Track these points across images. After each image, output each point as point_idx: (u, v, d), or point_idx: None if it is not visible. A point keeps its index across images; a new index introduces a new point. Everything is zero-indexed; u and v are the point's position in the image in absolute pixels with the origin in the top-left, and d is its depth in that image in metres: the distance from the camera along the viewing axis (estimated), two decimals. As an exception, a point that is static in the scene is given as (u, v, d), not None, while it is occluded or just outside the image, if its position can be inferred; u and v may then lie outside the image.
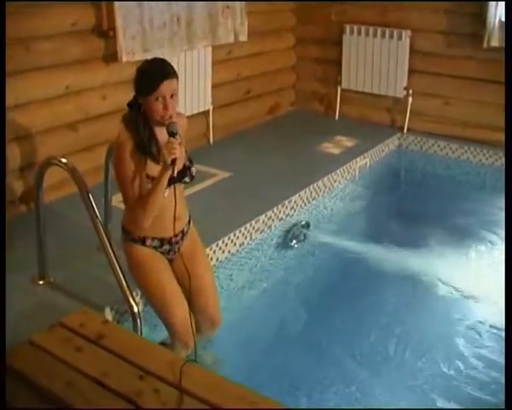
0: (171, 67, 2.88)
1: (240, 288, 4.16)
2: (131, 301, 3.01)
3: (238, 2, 5.75)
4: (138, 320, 2.99)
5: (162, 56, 4.84)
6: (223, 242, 4.09)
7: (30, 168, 4.35)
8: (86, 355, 2.61)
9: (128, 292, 3.02)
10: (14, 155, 4.27)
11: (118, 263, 3.07)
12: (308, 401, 2.99)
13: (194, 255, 3.23)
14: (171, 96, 2.83)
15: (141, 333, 3.01)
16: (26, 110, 4.32)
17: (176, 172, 2.82)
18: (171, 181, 2.91)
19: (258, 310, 3.92)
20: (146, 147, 2.87)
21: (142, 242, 3.08)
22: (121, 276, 3.05)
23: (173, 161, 2.79)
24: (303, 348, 3.65)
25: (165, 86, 2.80)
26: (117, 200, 4.00)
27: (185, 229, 3.20)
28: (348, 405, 3.21)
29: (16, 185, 4.35)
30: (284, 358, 3.55)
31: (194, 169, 3.06)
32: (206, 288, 3.24)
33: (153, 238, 3.08)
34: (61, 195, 4.49)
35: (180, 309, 3.05)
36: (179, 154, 2.81)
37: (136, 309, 2.99)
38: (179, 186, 3.05)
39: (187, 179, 3.04)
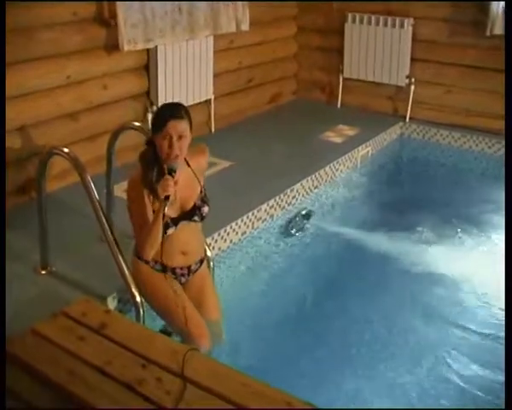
0: (185, 110, 3.01)
1: (242, 276, 4.16)
2: (134, 290, 3.01)
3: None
4: (141, 309, 3.00)
5: (164, 45, 4.90)
6: (225, 231, 4.09)
7: (31, 158, 4.34)
8: (89, 344, 2.61)
9: (130, 281, 3.03)
10: (15, 144, 4.26)
11: (120, 252, 3.08)
12: (311, 388, 2.99)
13: (201, 298, 3.26)
14: (180, 137, 2.92)
15: (143, 322, 3.01)
16: (27, 100, 4.30)
17: (166, 208, 2.88)
18: (177, 220, 3.02)
19: (259, 299, 3.92)
20: (151, 182, 2.95)
21: (146, 262, 3.12)
22: (123, 265, 3.06)
23: (166, 198, 2.86)
24: (305, 336, 3.65)
25: (172, 126, 2.90)
26: (119, 190, 4.01)
27: (193, 267, 3.23)
28: (349, 393, 3.21)
29: (18, 175, 4.34)
30: (286, 345, 3.55)
31: (205, 209, 3.13)
32: (212, 320, 3.26)
33: (155, 262, 3.11)
34: (63, 185, 4.48)
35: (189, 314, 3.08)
36: (172, 191, 2.88)
37: (138, 298, 3.00)
38: (194, 224, 3.13)
39: (196, 219, 3.11)
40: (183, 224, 3.06)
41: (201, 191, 3.16)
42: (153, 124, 3.00)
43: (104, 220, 3.13)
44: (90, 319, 2.77)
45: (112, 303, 3.32)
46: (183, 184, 2.99)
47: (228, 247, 4.15)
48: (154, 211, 2.96)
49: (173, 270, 3.16)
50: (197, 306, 3.17)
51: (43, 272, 3.55)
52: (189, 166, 3.07)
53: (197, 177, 3.11)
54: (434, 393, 3.31)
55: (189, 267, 3.21)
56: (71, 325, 2.74)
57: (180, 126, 2.93)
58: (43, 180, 3.42)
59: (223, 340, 3.27)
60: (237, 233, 4.23)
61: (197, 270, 3.26)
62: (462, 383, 3.38)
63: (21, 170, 4.36)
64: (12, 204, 4.17)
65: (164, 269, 3.13)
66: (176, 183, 2.89)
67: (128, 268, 3.07)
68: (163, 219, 2.90)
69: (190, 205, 3.09)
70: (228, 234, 4.12)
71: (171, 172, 2.90)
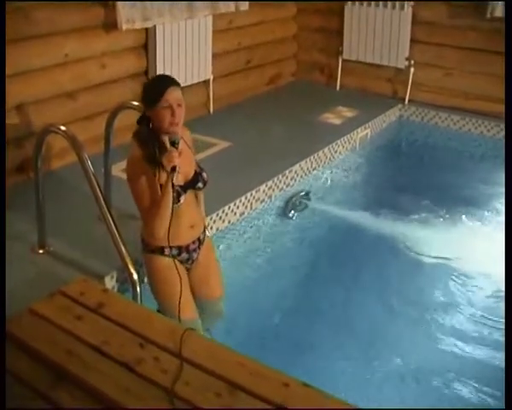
0: (175, 78, 3.00)
1: (240, 257, 4.16)
2: (131, 269, 3.01)
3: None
4: (138, 288, 3.00)
5: (162, 25, 4.88)
6: (223, 211, 4.09)
7: (29, 137, 4.33)
8: (86, 324, 2.61)
9: (128, 260, 3.02)
10: (13, 123, 4.24)
11: (118, 231, 3.07)
12: (309, 369, 3.00)
13: (208, 267, 3.31)
14: (178, 105, 2.92)
15: (140, 301, 3.01)
16: (25, 79, 4.28)
17: (174, 178, 2.88)
18: (184, 188, 3.04)
19: (257, 279, 3.94)
20: (155, 158, 2.94)
21: (161, 251, 3.10)
22: (121, 244, 3.05)
23: (173, 169, 2.86)
24: (302, 316, 3.67)
25: (171, 93, 2.90)
26: (117, 169, 4.00)
27: (201, 237, 3.26)
28: (348, 374, 3.23)
29: (15, 154, 4.32)
30: (283, 325, 3.57)
31: (205, 174, 3.17)
32: (216, 297, 3.35)
33: (171, 247, 3.09)
34: (60, 164, 4.48)
35: (189, 315, 3.10)
36: (178, 162, 2.87)
37: (135, 277, 3.00)
38: (192, 194, 3.17)
39: (200, 185, 3.16)
40: (188, 193, 3.08)
41: (196, 160, 3.21)
42: (147, 97, 2.98)
43: (102, 199, 3.12)
44: (87, 298, 2.77)
45: (109, 283, 3.32)
46: (183, 154, 2.98)
47: (226, 227, 4.15)
48: (160, 185, 2.95)
49: (187, 248, 3.18)
50: (202, 284, 3.26)
51: (41, 252, 3.55)
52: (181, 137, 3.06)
53: (189, 146, 3.16)
54: (432, 375, 3.33)
55: (198, 239, 3.23)
56: (68, 304, 2.74)
57: (178, 94, 2.93)
58: (39, 158, 3.41)
59: (222, 316, 3.34)
60: (235, 214, 4.22)
61: (204, 239, 3.29)
62: (461, 365, 3.42)
63: (19, 149, 4.35)
64: (10, 183, 4.16)
65: (180, 252, 3.15)
66: (180, 153, 2.90)
67: (125, 247, 3.06)
68: (173, 188, 2.89)
69: (191, 173, 3.11)
70: (226, 215, 4.12)
71: (174, 143, 2.91)
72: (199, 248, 3.24)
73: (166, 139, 2.95)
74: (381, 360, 3.39)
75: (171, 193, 2.90)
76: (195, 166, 3.16)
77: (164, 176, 2.93)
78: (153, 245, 3.09)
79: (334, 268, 4.16)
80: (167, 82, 2.95)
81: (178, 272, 3.03)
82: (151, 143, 2.95)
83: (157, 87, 2.95)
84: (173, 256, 3.11)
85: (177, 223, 3.00)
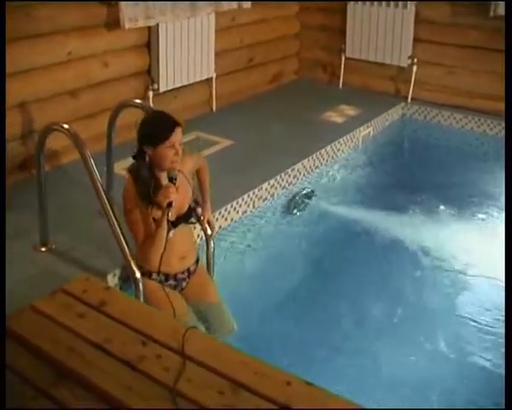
0: (176, 118, 3.01)
1: (242, 255, 4.15)
2: (133, 267, 3.01)
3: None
4: (140, 286, 2.99)
5: (165, 23, 4.87)
6: (225, 209, 4.08)
7: (31, 135, 4.33)
8: (88, 321, 2.61)
9: (130, 258, 3.02)
10: (15, 122, 4.23)
11: (120, 229, 3.07)
12: (314, 366, 3.00)
13: (201, 289, 3.33)
14: (179, 144, 2.98)
15: (143, 299, 3.01)
16: (27, 77, 4.28)
17: (170, 214, 2.93)
18: (176, 222, 3.07)
19: (259, 277, 3.93)
20: (149, 196, 2.98)
21: (149, 275, 3.13)
22: (123, 242, 3.05)
23: (169, 205, 2.90)
24: (304, 313, 3.66)
25: (176, 136, 2.94)
26: (119, 167, 3.99)
27: (191, 268, 3.30)
28: (352, 370, 3.23)
29: (17, 152, 4.32)
30: (285, 321, 3.56)
31: (199, 210, 3.27)
32: (215, 303, 3.34)
33: (158, 273, 3.13)
34: (63, 162, 4.48)
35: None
36: (174, 197, 2.91)
37: (138, 275, 2.99)
38: (186, 227, 3.21)
39: (193, 220, 3.22)
40: (179, 227, 3.11)
41: (193, 193, 3.24)
42: (149, 137, 2.98)
43: (104, 197, 3.12)
44: (89, 296, 2.77)
45: (112, 280, 3.32)
46: (179, 189, 3.02)
47: (229, 225, 4.15)
48: (154, 219, 3.00)
49: (175, 277, 3.22)
50: (198, 295, 3.30)
51: (43, 250, 3.55)
52: (179, 170, 3.10)
53: (188, 180, 3.17)
54: (432, 369, 3.33)
55: (188, 270, 3.27)
56: (70, 302, 2.73)
57: (180, 134, 2.98)
58: (41, 156, 3.41)
59: (234, 330, 3.31)
60: (238, 212, 4.22)
61: (195, 270, 3.32)
62: (462, 358, 3.41)
63: (21, 147, 4.34)
64: (12, 181, 4.16)
65: (167, 278, 3.19)
66: (177, 189, 2.93)
67: (128, 245, 3.05)
68: (168, 225, 2.94)
69: (185, 208, 3.16)
70: (229, 213, 4.11)
71: (173, 179, 2.94)
72: (188, 277, 3.29)
73: (164, 175, 2.99)
74: (381, 357, 3.39)
75: (166, 228, 2.95)
76: (190, 200, 3.20)
77: (157, 212, 2.97)
78: (144, 269, 3.11)
79: (336, 266, 4.15)
80: (172, 124, 2.96)
81: (167, 294, 3.09)
82: (146, 180, 2.99)
83: (162, 129, 2.95)
84: (160, 282, 3.16)
85: (167, 253, 3.03)
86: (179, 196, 3.00)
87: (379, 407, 2.88)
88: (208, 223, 3.44)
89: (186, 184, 3.15)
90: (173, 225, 3.04)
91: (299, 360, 3.06)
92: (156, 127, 2.99)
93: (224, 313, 3.33)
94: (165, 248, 2.97)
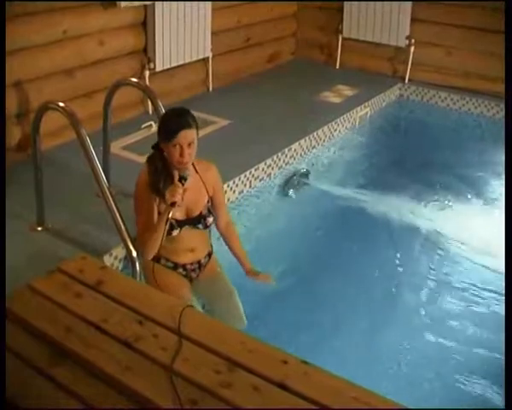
0: (193, 117, 2.99)
1: (239, 235, 4.15)
2: (130, 246, 3.01)
3: None
4: (137, 265, 3.00)
5: (161, 2, 4.83)
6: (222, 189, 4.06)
7: (27, 115, 4.31)
8: (85, 301, 2.60)
9: (127, 237, 3.02)
10: (10, 101, 4.21)
11: (117, 209, 3.07)
12: (309, 348, 3.01)
13: (213, 282, 3.31)
14: (189, 144, 2.93)
15: (140, 278, 3.01)
16: (23, 56, 4.25)
17: (171, 213, 2.90)
18: (183, 224, 3.09)
19: (256, 258, 3.92)
20: (159, 189, 2.98)
21: (157, 260, 3.12)
22: (120, 221, 3.05)
23: (172, 204, 2.87)
24: (300, 295, 3.68)
25: (183, 136, 2.91)
26: (116, 147, 3.98)
27: (202, 261, 3.28)
28: (346, 351, 3.23)
29: (13, 132, 4.30)
30: (282, 302, 3.57)
31: (210, 219, 3.20)
32: (231, 308, 3.28)
33: (167, 260, 3.16)
34: (59, 141, 4.45)
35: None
36: (179, 198, 2.88)
37: (134, 254, 3.00)
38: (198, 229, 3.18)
39: (200, 226, 3.17)
40: (186, 228, 3.11)
41: (208, 202, 3.20)
42: (161, 132, 2.99)
43: (101, 176, 3.11)
44: (86, 275, 2.76)
45: (108, 260, 3.32)
46: (191, 188, 3.01)
47: (225, 205, 4.13)
48: (159, 213, 2.99)
49: (184, 266, 3.22)
50: (210, 297, 3.25)
51: (40, 229, 3.55)
52: (196, 172, 3.10)
53: (206, 187, 3.16)
54: (432, 357, 3.36)
55: (199, 262, 3.26)
56: (67, 281, 2.73)
57: (190, 136, 2.93)
58: (37, 135, 3.39)
59: (244, 323, 3.26)
60: (234, 192, 4.21)
61: (207, 263, 3.31)
62: (462, 347, 3.43)
63: (17, 127, 4.33)
64: (9, 161, 4.14)
65: (175, 266, 3.19)
66: (185, 190, 2.91)
67: (124, 224, 3.05)
68: (166, 223, 2.92)
69: (197, 212, 3.14)
70: (225, 192, 4.10)
71: (182, 179, 2.93)
72: (199, 269, 3.27)
73: (176, 173, 2.97)
74: (379, 340, 3.40)
75: (165, 226, 2.92)
76: (204, 207, 3.17)
77: (163, 206, 2.96)
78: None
79: (332, 246, 4.16)
80: (182, 123, 2.92)
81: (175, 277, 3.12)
82: (159, 172, 2.99)
83: (172, 125, 2.93)
84: (168, 268, 3.18)
85: (176, 243, 3.08)
86: (190, 199, 3.02)
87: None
88: (256, 274, 3.38)
89: (202, 188, 3.15)
90: (178, 224, 3.05)
91: (292, 341, 3.07)
92: (166, 124, 2.98)
93: (235, 309, 3.27)
94: (168, 243, 3.01)
